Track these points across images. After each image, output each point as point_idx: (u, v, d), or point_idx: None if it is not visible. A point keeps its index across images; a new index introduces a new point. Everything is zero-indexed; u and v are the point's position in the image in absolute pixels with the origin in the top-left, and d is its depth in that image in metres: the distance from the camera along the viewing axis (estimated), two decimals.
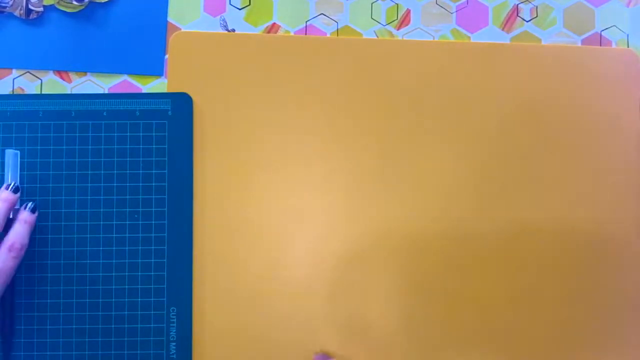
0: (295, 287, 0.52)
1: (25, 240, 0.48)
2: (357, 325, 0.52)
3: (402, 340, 0.52)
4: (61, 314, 0.50)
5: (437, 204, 0.53)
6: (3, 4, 0.53)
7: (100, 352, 0.50)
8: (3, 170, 0.51)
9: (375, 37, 0.55)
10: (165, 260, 0.50)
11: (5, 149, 0.51)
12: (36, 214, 0.50)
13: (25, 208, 0.49)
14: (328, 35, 0.55)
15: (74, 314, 0.50)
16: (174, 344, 0.51)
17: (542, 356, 0.52)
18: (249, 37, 0.54)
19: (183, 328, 0.51)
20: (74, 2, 0.53)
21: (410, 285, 0.51)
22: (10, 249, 0.47)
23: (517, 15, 0.56)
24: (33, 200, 0.50)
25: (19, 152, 0.51)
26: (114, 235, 0.51)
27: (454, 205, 0.50)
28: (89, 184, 0.52)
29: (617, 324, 0.53)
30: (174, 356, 0.50)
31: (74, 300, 0.51)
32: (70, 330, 0.50)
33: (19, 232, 0.48)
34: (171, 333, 0.51)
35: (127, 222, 0.52)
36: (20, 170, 0.51)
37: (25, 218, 0.49)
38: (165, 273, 0.51)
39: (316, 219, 0.52)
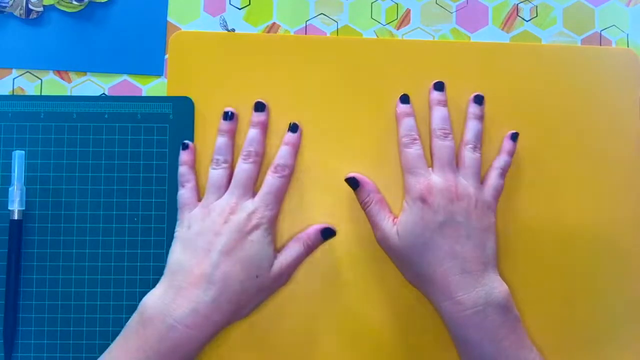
0: (295, 287, 0.51)
1: (290, 161, 0.51)
2: (356, 326, 0.52)
3: (403, 340, 0.51)
4: (59, 316, 0.50)
5: None
6: (3, 4, 0.53)
7: (98, 354, 0.50)
8: (7, 170, 0.51)
9: (375, 37, 0.55)
10: (164, 263, 0.49)
11: (11, 150, 0.51)
12: (297, 133, 0.52)
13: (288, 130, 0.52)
14: (328, 35, 0.55)
15: (72, 316, 0.50)
16: None
17: None
18: (248, 37, 0.54)
19: None
20: (74, 2, 0.53)
21: (411, 285, 0.51)
22: (275, 170, 0.50)
23: (517, 14, 0.56)
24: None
25: (23, 152, 0.51)
26: (113, 237, 0.51)
27: None
28: (89, 186, 0.52)
29: (617, 324, 0.53)
30: None
31: (72, 303, 0.50)
32: (68, 333, 0.50)
33: (282, 154, 0.51)
34: None
35: (127, 225, 0.51)
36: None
37: (287, 140, 0.52)
38: None
39: (316, 219, 0.52)
